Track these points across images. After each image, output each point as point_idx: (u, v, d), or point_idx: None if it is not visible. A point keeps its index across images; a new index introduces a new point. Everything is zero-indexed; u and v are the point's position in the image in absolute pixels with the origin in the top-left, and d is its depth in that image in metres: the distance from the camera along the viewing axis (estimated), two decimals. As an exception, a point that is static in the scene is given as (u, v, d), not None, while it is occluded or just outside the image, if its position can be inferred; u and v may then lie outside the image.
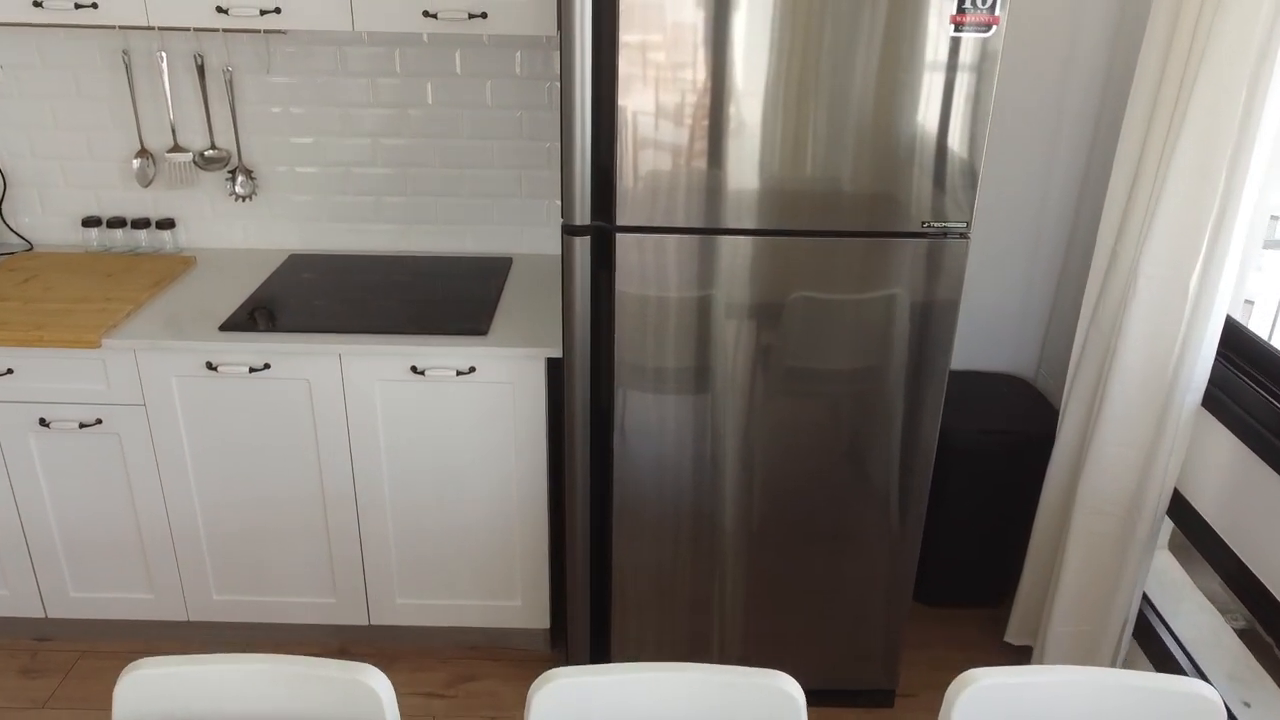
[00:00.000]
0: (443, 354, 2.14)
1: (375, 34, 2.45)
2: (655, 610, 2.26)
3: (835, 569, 2.21)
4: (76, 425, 2.21)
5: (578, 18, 1.76)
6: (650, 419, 2.06)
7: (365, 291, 2.41)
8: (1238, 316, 2.02)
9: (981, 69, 1.78)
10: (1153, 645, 2.18)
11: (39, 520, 2.33)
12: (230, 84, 2.50)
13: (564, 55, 1.79)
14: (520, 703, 1.42)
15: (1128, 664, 2.24)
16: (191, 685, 1.25)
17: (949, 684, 1.28)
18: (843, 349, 2.00)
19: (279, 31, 2.42)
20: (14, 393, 2.19)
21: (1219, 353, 1.96)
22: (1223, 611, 2.19)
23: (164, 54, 2.45)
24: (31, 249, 2.63)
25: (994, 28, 1.76)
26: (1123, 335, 2.03)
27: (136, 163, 2.55)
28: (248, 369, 2.15)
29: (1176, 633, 2.16)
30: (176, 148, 2.55)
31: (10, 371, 2.17)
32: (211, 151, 2.56)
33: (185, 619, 2.45)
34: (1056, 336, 2.69)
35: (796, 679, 1.26)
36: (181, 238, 2.66)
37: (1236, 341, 2.01)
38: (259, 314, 2.25)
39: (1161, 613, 2.21)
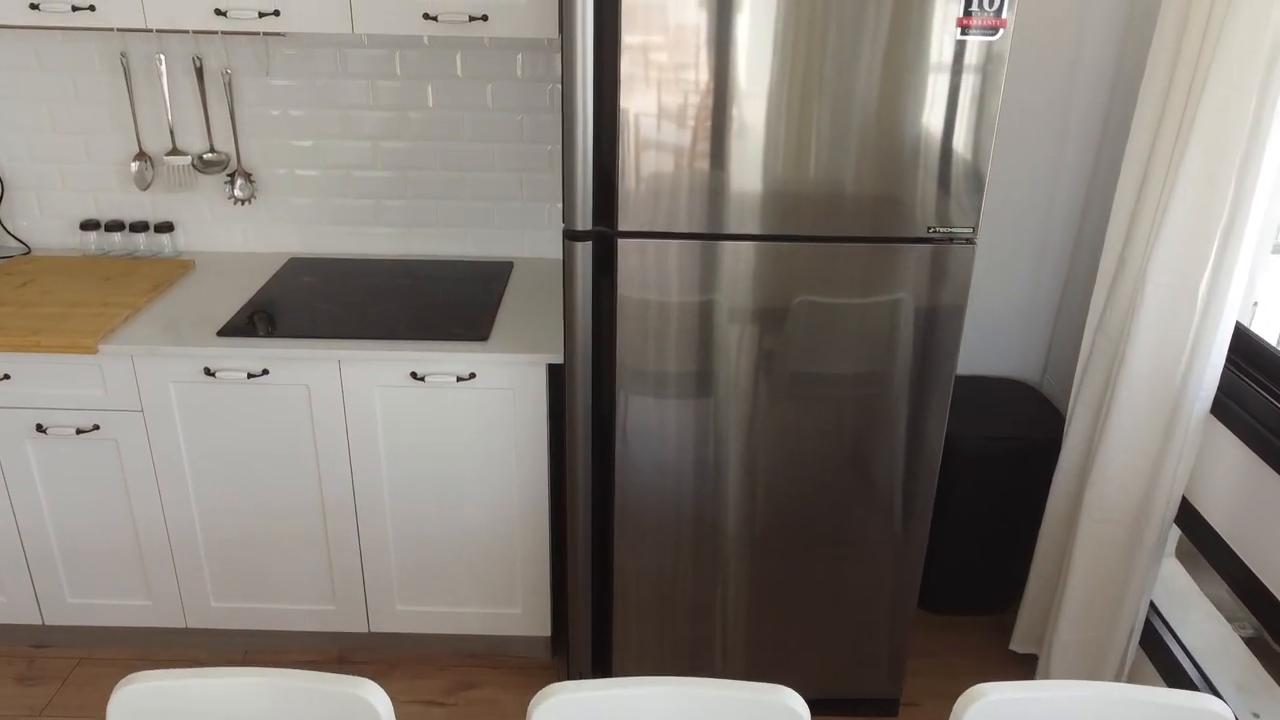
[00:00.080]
0: (443, 360, 2.12)
1: (375, 36, 2.44)
2: (657, 617, 2.24)
3: (839, 576, 2.19)
4: (74, 431, 2.19)
5: (580, 19, 1.74)
6: (652, 425, 2.04)
7: (365, 296, 2.40)
8: (1244, 319, 2.00)
9: (987, 72, 1.76)
10: (1160, 654, 2.16)
11: (36, 527, 2.31)
12: (229, 86, 2.48)
13: (565, 57, 1.77)
14: (520, 711, 1.41)
15: (1134, 673, 2.22)
16: (186, 699, 1.23)
17: (953, 693, 1.27)
18: (847, 354, 1.99)
19: (278, 34, 2.41)
20: (11, 398, 2.17)
21: (1228, 359, 1.94)
22: (1230, 620, 2.17)
23: (162, 56, 2.44)
24: (29, 252, 2.62)
25: (1000, 31, 1.74)
26: (1131, 342, 2.01)
27: (135, 166, 2.54)
28: (246, 375, 2.13)
29: (1184, 641, 2.14)
30: (175, 151, 2.54)
31: (7, 377, 2.15)
32: (210, 154, 2.55)
33: (183, 626, 2.43)
34: (1062, 342, 2.67)
35: (799, 687, 1.25)
36: (180, 241, 2.65)
37: (1246, 348, 1.99)
38: (258, 319, 2.24)
39: (1169, 621, 2.19)
